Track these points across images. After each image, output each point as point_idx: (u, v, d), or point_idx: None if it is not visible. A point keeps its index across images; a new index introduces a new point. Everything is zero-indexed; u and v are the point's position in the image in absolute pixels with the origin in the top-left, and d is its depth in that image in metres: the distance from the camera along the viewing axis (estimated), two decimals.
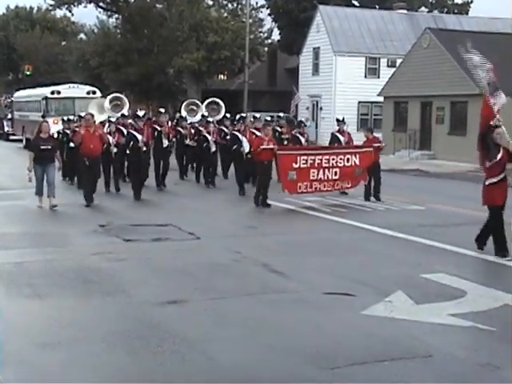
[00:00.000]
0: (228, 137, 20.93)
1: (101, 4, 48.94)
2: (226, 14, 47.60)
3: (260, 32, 48.51)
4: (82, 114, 20.20)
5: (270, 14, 51.87)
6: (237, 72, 47.53)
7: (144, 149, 17.78)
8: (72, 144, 19.00)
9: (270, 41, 51.03)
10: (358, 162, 17.22)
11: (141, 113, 19.45)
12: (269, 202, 16.37)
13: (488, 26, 43.21)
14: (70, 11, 51.15)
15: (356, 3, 50.39)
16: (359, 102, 41.45)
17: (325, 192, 17.24)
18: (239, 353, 6.59)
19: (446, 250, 11.62)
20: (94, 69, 48.32)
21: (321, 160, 16.85)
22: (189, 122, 23.29)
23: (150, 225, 13.70)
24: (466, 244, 11.87)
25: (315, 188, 16.93)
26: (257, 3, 49.04)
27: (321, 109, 42.96)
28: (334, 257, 11.00)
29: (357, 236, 13.14)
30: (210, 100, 26.17)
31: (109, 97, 24.82)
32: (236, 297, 8.52)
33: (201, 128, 21.69)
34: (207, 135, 20.88)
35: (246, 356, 6.52)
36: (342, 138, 19.34)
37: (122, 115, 21.67)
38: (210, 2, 49.04)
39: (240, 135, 19.54)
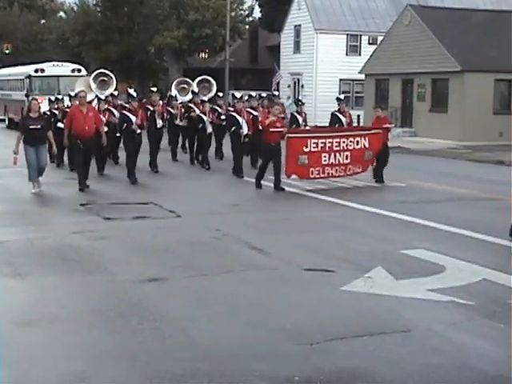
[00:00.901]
0: (222, 117, 20.13)
1: None
2: None
3: (241, 10, 48.26)
4: (72, 93, 19.67)
5: None
6: (218, 50, 47.32)
7: (138, 131, 16.78)
8: (61, 124, 18.25)
9: (251, 18, 50.76)
10: (367, 145, 16.57)
11: (133, 92, 18.35)
12: (249, 180, 16.29)
13: (468, 3, 43.19)
14: None
15: None
16: (341, 80, 41.39)
17: (337, 177, 16.54)
18: (219, 330, 6.61)
19: (426, 226, 11.70)
20: (73, 47, 47.90)
21: (331, 143, 16.16)
22: (179, 101, 22.49)
23: (131, 203, 13.68)
24: (446, 220, 11.98)
25: (328, 173, 16.30)
26: None
27: (302, 86, 42.88)
28: (315, 234, 11.03)
29: (337, 213, 13.19)
30: (201, 78, 25.35)
31: (94, 73, 23.88)
32: (216, 274, 8.54)
33: (191, 105, 20.93)
34: (202, 115, 19.95)
35: (226, 333, 6.54)
36: (343, 119, 18.52)
37: (112, 95, 20.90)
38: None
39: (238, 116, 18.28)
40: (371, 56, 36.65)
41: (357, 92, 41.30)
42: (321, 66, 41.36)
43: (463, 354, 6.10)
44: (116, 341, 6.38)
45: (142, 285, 8.07)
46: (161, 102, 20.41)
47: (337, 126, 18.31)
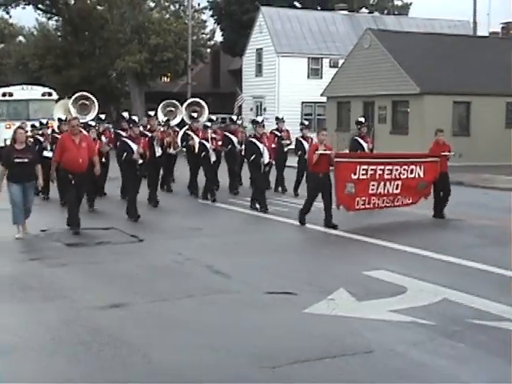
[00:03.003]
0: (230, 144, 18.89)
1: (40, 6, 48.18)
2: (168, 16, 47.41)
3: (202, 33, 48.52)
4: (63, 117, 18.40)
5: (212, 16, 51.84)
6: (180, 74, 47.36)
7: (140, 161, 14.72)
8: (47, 153, 16.72)
9: (212, 42, 51.06)
10: (422, 175, 14.80)
11: (126, 114, 17.08)
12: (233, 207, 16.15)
13: (426, 27, 44.02)
14: (8, 13, 50.13)
15: (298, 4, 50.68)
16: (303, 103, 41.69)
17: (383, 208, 14.70)
18: (182, 355, 6.56)
19: (387, 248, 11.78)
20: (33, 72, 47.55)
21: (382, 171, 14.28)
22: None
23: (93, 228, 13.54)
24: (406, 241, 12.09)
25: (373, 204, 14.35)
26: (199, 5, 49.22)
27: (264, 110, 43.07)
28: (277, 256, 11.04)
29: (299, 235, 13.24)
30: (190, 100, 23.78)
31: (73, 96, 22.31)
32: (178, 299, 8.48)
33: (189, 132, 18.97)
34: (205, 142, 17.82)
35: (188, 358, 6.49)
36: (364, 145, 17.06)
37: (99, 119, 19.28)
38: (152, 4, 48.82)
39: (259, 143, 16.12)
40: (332, 79, 37.00)
41: (319, 114, 41.63)
42: (283, 89, 41.63)
43: (424, 373, 6.14)
44: (77, 369, 6.29)
45: (103, 311, 7.98)
46: (161, 128, 18.60)
47: (358, 151, 16.82)
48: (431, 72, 31.37)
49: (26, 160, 12.60)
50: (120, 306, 8.17)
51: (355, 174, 13.90)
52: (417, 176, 14.74)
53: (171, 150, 19.04)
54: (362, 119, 17.84)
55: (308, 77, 42.37)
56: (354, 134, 17.40)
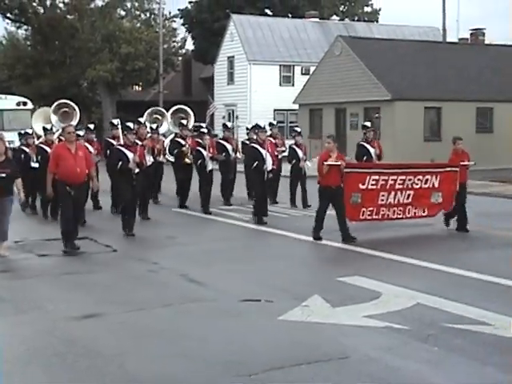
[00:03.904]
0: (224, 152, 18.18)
1: (8, 15, 47.80)
2: (139, 25, 47.32)
3: (174, 42, 48.47)
4: (48, 126, 17.55)
5: (183, 24, 51.85)
6: (152, 82, 47.27)
7: (137, 171, 13.89)
8: (34, 164, 16.11)
9: (183, 50, 51.01)
10: (436, 185, 14.01)
11: (117, 121, 16.19)
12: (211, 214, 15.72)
13: (396, 33, 44.44)
14: None
15: (269, 12, 50.88)
16: (275, 110, 41.83)
17: (394, 220, 13.96)
18: (158, 364, 6.55)
19: (361, 253, 11.86)
20: (2, 82, 47.17)
21: (395, 181, 13.56)
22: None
23: None
24: (380, 246, 12.18)
25: (382, 215, 13.65)
26: (170, 13, 49.00)
27: (237, 117, 43.07)
28: (251, 264, 11.06)
29: (272, 242, 13.29)
30: (176, 107, 23.01)
31: (54, 104, 21.24)
32: (153, 308, 8.46)
33: (178, 139, 18.31)
34: (202, 150, 17.05)
35: (165, 367, 6.48)
36: (371, 150, 16.41)
37: (87, 128, 18.19)
38: (123, 13, 48.69)
39: (261, 149, 15.40)
40: (304, 86, 37.18)
41: (291, 122, 41.74)
42: (255, 97, 41.75)
43: (399, 378, 6.19)
44: (52, 380, 6.24)
45: (77, 322, 7.93)
46: (149, 136, 17.78)
47: (364, 158, 16.24)
48: (402, 78, 31.67)
49: (3, 175, 11.51)
50: (95, 316, 8.13)
51: (364, 184, 13.28)
52: (431, 186, 14.00)
53: (161, 158, 18.61)
54: (368, 123, 17.23)
55: (280, 84, 42.54)
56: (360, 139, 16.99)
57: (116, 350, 6.96)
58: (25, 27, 49.11)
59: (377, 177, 13.42)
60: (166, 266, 10.93)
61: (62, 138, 15.50)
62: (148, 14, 48.20)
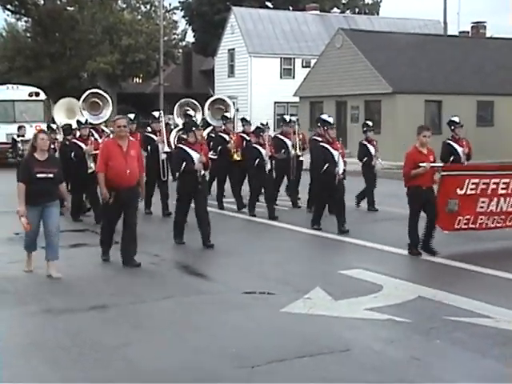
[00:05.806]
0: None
1: (8, 7, 47.74)
2: (139, 17, 47.32)
3: (174, 34, 48.43)
4: (82, 120, 15.84)
5: (184, 17, 51.83)
6: (152, 75, 47.26)
7: (202, 172, 12.04)
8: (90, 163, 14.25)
9: (184, 43, 51.00)
10: None
11: (157, 113, 15.03)
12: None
13: (397, 26, 44.39)
14: None
15: (269, 5, 50.84)
16: (275, 103, 41.84)
17: (493, 229, 12.04)
18: (162, 356, 6.59)
19: (362, 246, 11.89)
20: (3, 74, 47.15)
21: (497, 184, 11.68)
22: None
23: (68, 230, 13.45)
24: (382, 239, 12.20)
25: (480, 224, 11.73)
26: (170, 5, 48.99)
27: (237, 110, 43.08)
28: (253, 256, 11.09)
29: (274, 235, 13.29)
30: (214, 98, 21.39)
31: (84, 94, 19.33)
32: (156, 300, 8.50)
33: (223, 135, 16.58)
34: (260, 148, 14.91)
35: (169, 359, 6.52)
36: (459, 149, 14.26)
37: (128, 118, 14.93)
38: (123, 5, 48.64)
39: (333, 150, 13.28)
40: (305, 79, 37.16)
41: (291, 115, 41.58)
42: (255, 90, 41.74)
43: (401, 370, 6.22)
44: (57, 373, 6.27)
45: (80, 314, 7.96)
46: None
47: (452, 158, 14.09)
48: (403, 71, 31.65)
49: (50, 175, 9.59)
50: (98, 308, 8.16)
51: (462, 188, 11.40)
52: None
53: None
54: (457, 118, 14.67)
55: (280, 77, 42.54)
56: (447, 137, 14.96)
57: (120, 341, 6.99)
58: (25, 19, 49.16)
59: (477, 180, 11.53)
60: (168, 258, 10.98)
61: (92, 131, 14.95)
62: (148, 6, 48.16)
